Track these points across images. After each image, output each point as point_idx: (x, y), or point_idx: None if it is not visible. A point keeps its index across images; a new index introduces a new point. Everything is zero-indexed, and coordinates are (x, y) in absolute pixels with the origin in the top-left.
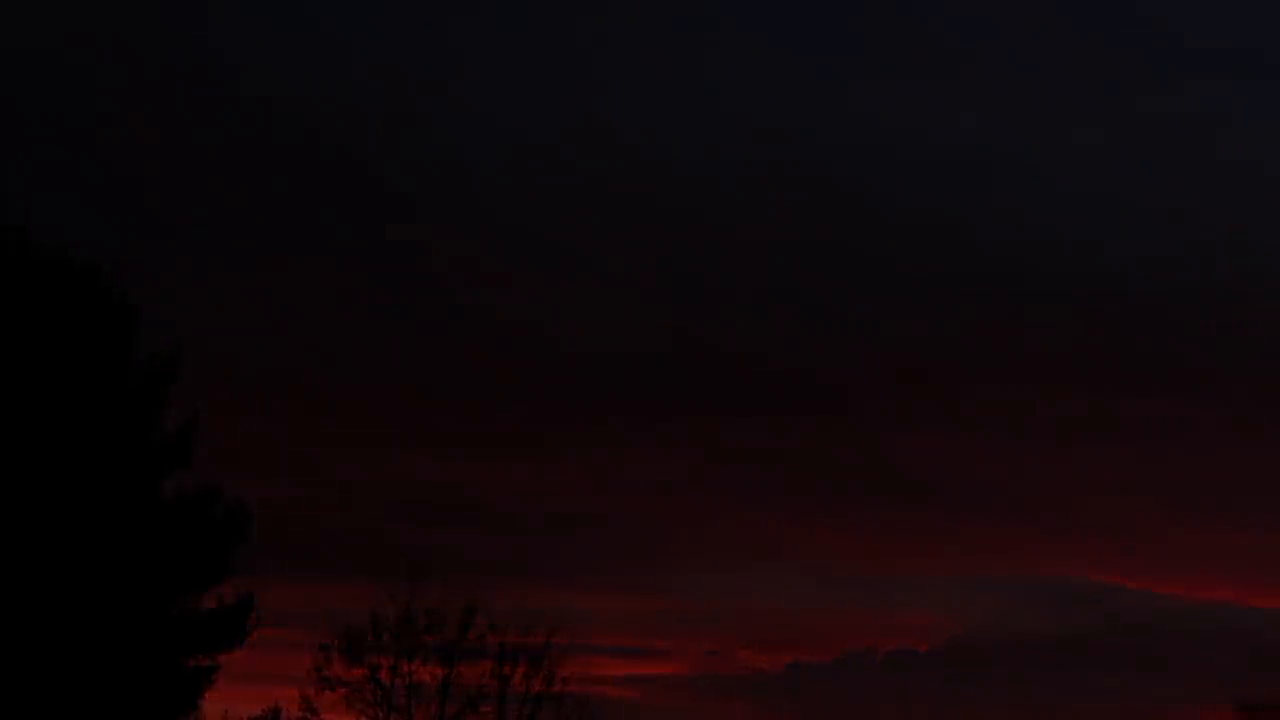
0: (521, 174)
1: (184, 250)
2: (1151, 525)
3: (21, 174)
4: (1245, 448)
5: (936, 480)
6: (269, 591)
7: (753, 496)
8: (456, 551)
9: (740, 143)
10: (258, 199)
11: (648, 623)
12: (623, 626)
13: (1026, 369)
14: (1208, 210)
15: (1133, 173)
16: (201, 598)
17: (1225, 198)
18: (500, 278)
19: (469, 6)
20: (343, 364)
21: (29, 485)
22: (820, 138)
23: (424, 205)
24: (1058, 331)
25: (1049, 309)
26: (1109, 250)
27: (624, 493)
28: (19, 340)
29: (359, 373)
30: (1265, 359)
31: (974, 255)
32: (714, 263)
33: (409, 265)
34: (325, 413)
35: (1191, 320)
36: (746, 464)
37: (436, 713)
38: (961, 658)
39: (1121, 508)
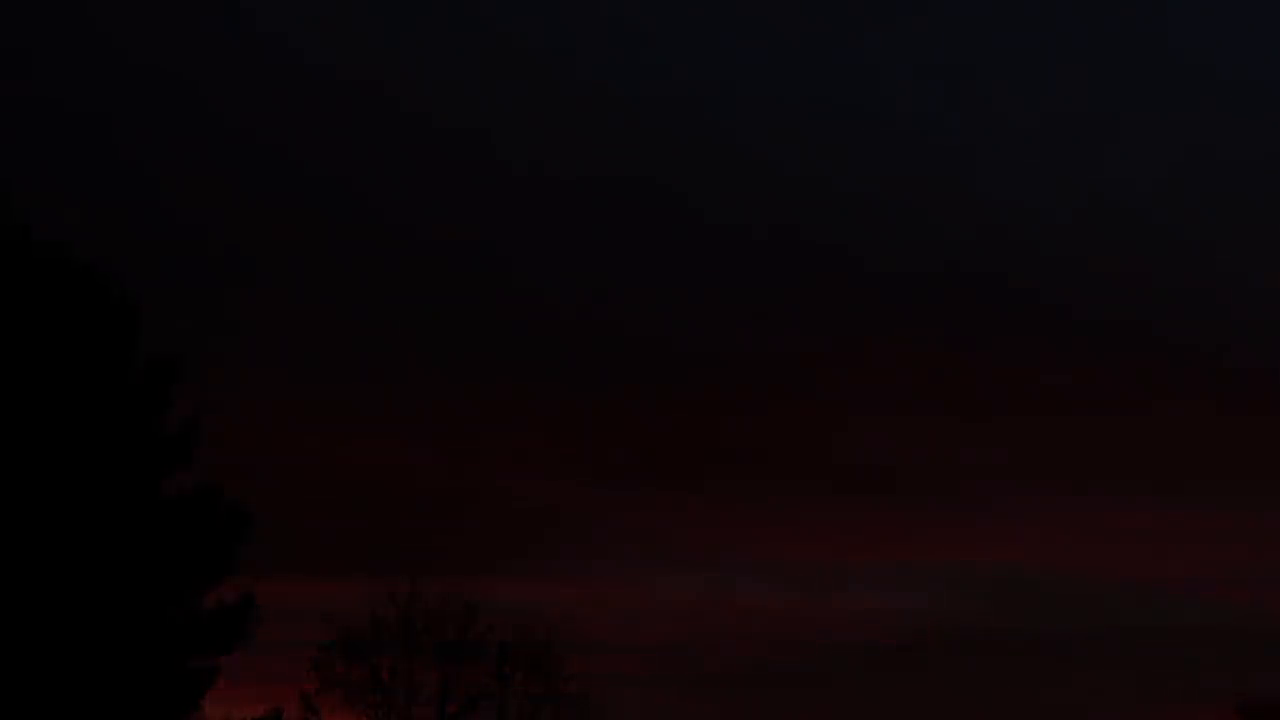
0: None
1: (186, 250)
2: (1133, 515)
3: (22, 173)
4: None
5: (889, 468)
6: (269, 591)
7: (699, 490)
8: (457, 550)
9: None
10: (260, 197)
11: (602, 619)
12: (577, 623)
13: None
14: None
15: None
16: (202, 598)
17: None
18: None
19: None
20: (345, 363)
21: (29, 485)
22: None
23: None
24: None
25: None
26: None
27: (576, 486)
28: (19, 340)
29: (361, 372)
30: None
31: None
32: None
33: (410, 266)
34: (326, 412)
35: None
36: (691, 457)
37: (436, 713)
38: (939, 653)
39: (1094, 497)
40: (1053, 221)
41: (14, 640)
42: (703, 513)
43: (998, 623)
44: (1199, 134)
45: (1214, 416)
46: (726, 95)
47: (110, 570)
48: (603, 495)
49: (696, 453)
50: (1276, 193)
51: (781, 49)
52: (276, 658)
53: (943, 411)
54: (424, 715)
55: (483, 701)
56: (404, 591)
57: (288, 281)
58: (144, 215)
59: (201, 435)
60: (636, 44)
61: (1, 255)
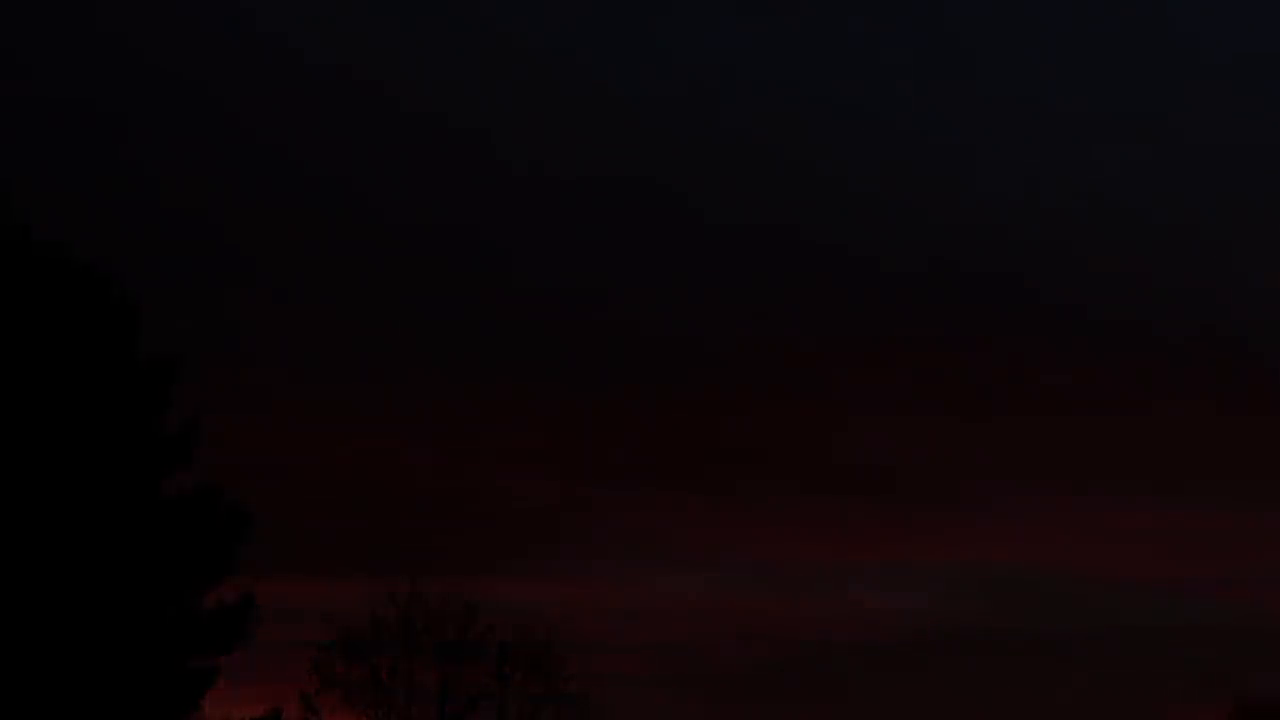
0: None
1: (186, 250)
2: (1133, 515)
3: (23, 173)
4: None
5: (889, 468)
6: (269, 591)
7: (699, 490)
8: (457, 550)
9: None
10: (260, 197)
11: (602, 619)
12: (577, 622)
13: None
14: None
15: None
16: (202, 598)
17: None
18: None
19: None
20: (345, 363)
21: (29, 485)
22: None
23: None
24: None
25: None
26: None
27: (576, 486)
28: (20, 340)
29: (361, 372)
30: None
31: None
32: None
33: (410, 266)
34: (326, 412)
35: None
36: (691, 457)
37: (436, 713)
38: (939, 653)
39: (1094, 497)
40: (1053, 221)
41: (14, 640)
42: (703, 513)
43: (998, 623)
44: (1199, 133)
45: (1214, 416)
46: (726, 94)
47: (110, 570)
48: (603, 495)
49: (696, 453)
50: (1277, 192)
51: (782, 49)
52: (276, 658)
53: (943, 411)
54: (424, 715)
55: (483, 701)
56: (404, 591)
57: (288, 281)
58: (144, 215)
59: (201, 435)
60: (636, 43)
61: (1, 255)
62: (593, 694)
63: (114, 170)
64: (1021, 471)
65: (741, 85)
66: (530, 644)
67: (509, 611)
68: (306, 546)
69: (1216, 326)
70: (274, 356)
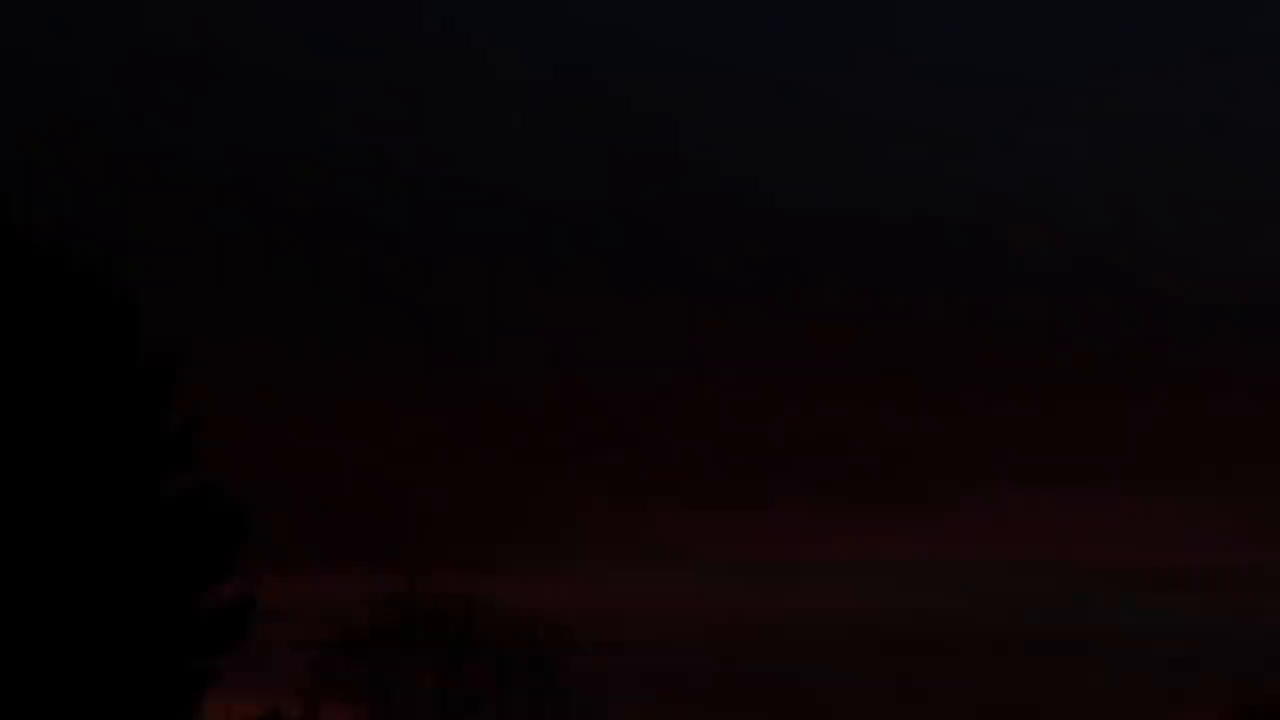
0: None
1: (186, 249)
2: (1131, 512)
3: (21, 172)
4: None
5: (888, 468)
6: (269, 591)
7: (698, 490)
8: (457, 550)
9: None
10: (260, 198)
11: (601, 619)
12: (577, 622)
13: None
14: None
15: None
16: (202, 598)
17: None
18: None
19: None
20: (345, 363)
21: (28, 485)
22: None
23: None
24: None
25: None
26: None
27: (577, 486)
28: (19, 340)
29: (360, 373)
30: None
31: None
32: None
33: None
34: (327, 412)
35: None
36: (690, 457)
37: (436, 713)
38: (933, 652)
39: (1094, 494)
40: (1047, 209)
41: (13, 640)
42: (701, 513)
43: (992, 622)
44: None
45: (1215, 412)
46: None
47: (110, 570)
48: (602, 495)
49: (695, 453)
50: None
51: (785, 51)
52: (276, 658)
53: (942, 411)
54: (424, 715)
55: (483, 702)
56: (404, 591)
57: (288, 281)
58: (144, 215)
59: (201, 435)
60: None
61: (1, 255)
62: (593, 694)
63: (114, 170)
64: (1021, 470)
65: (739, 97)
66: (530, 644)
67: (509, 611)
68: (306, 546)
69: (1217, 318)
70: (274, 356)
